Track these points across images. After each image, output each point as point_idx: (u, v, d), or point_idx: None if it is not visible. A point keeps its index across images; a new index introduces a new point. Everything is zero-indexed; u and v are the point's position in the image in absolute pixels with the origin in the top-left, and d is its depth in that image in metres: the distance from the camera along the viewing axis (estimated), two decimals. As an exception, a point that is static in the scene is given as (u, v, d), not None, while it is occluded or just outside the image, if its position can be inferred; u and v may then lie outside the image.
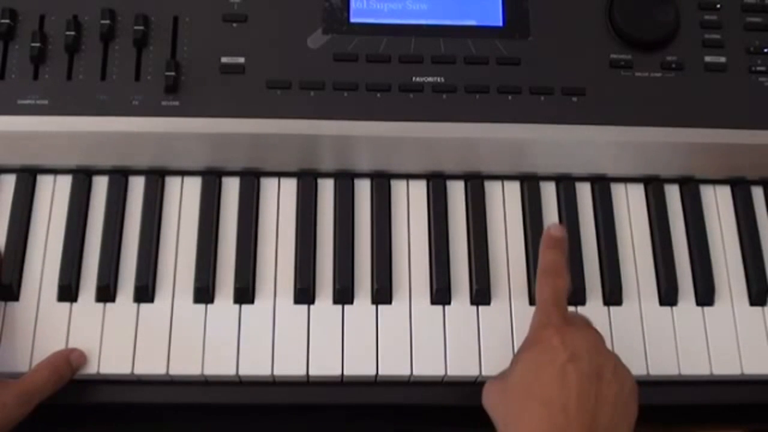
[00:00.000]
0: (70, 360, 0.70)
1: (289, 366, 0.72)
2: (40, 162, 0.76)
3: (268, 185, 0.78)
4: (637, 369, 0.72)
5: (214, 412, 0.77)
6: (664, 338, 0.75)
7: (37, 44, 0.74)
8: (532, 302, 0.75)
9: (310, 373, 0.71)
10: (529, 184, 0.79)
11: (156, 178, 0.77)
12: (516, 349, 0.73)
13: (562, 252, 0.70)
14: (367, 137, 0.75)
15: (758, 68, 0.78)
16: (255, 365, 0.71)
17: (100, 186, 0.77)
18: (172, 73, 0.73)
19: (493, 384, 0.67)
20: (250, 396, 0.73)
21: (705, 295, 0.76)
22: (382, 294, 0.74)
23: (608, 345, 0.68)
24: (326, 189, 0.78)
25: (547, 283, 0.68)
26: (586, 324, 0.68)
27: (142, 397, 0.73)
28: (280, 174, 0.78)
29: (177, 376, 0.71)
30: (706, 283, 0.77)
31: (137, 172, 0.77)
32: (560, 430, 0.61)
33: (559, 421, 0.61)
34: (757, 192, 0.81)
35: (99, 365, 0.71)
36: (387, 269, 0.75)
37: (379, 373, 0.72)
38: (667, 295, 0.76)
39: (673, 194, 0.80)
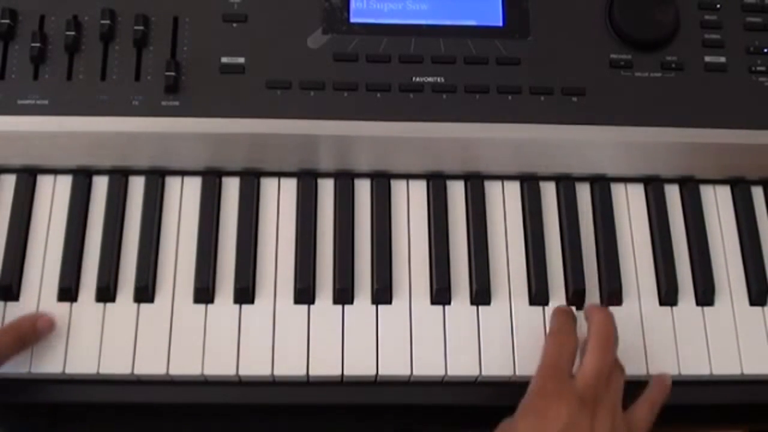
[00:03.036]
0: (36, 326, 0.70)
1: (289, 366, 0.72)
2: (40, 162, 0.76)
3: (268, 185, 0.78)
4: (637, 369, 0.72)
5: (214, 412, 0.77)
6: (664, 338, 0.75)
7: (37, 44, 0.74)
8: (532, 302, 0.75)
9: (310, 373, 0.71)
10: (529, 184, 0.79)
11: (156, 178, 0.77)
12: (515, 350, 0.73)
13: (572, 318, 0.72)
14: (367, 137, 0.75)
15: (758, 68, 0.78)
16: (255, 365, 0.71)
17: (100, 186, 0.77)
18: (172, 73, 0.73)
19: None
20: (250, 396, 0.73)
21: (705, 295, 0.76)
22: (382, 294, 0.74)
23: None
24: (326, 189, 0.78)
25: (555, 342, 0.70)
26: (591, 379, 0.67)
27: (142, 397, 0.73)
28: (280, 174, 0.78)
29: (177, 376, 0.71)
30: (706, 283, 0.77)
31: (137, 172, 0.77)
32: None
33: None
34: (757, 192, 0.81)
35: (99, 365, 0.71)
36: (387, 269, 0.75)
37: (379, 373, 0.72)
38: (667, 295, 0.76)
39: (673, 194, 0.80)
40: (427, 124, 0.75)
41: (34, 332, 0.70)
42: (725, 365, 0.74)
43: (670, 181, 0.81)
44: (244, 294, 0.74)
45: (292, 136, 0.74)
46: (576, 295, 0.75)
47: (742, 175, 0.81)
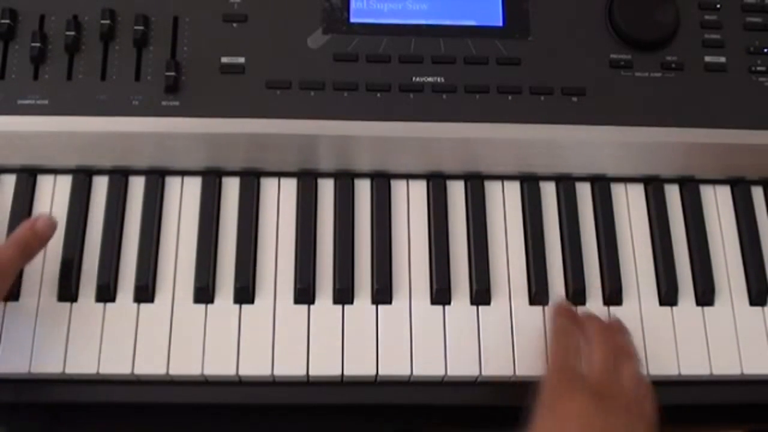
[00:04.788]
0: (35, 230, 0.69)
1: (289, 366, 0.72)
2: (40, 162, 0.76)
3: (268, 185, 0.78)
4: (637, 369, 0.72)
5: (214, 412, 0.77)
6: (664, 338, 0.75)
7: (37, 44, 0.74)
8: (532, 302, 0.75)
9: (310, 373, 0.71)
10: (529, 184, 0.79)
11: (156, 178, 0.77)
12: (515, 350, 0.73)
13: (573, 314, 0.73)
14: (367, 137, 0.75)
15: (758, 68, 0.78)
16: (255, 365, 0.71)
17: (100, 186, 0.77)
18: (172, 73, 0.74)
19: None
20: (250, 396, 0.73)
21: (705, 295, 0.76)
22: (382, 294, 0.74)
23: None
24: (326, 189, 0.78)
25: (559, 342, 0.71)
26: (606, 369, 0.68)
27: (142, 397, 0.73)
28: (280, 174, 0.78)
29: (177, 376, 0.71)
30: (706, 283, 0.77)
31: (137, 172, 0.77)
32: None
33: None
34: (757, 192, 0.81)
35: (99, 365, 0.71)
36: (387, 269, 0.75)
37: (379, 373, 0.72)
38: (667, 295, 0.76)
39: (673, 194, 0.80)
40: (427, 124, 0.75)
41: (35, 236, 0.69)
42: (725, 365, 0.74)
43: (670, 181, 0.81)
44: (244, 294, 0.74)
45: (292, 136, 0.74)
46: (576, 295, 0.75)
47: (742, 175, 0.81)
